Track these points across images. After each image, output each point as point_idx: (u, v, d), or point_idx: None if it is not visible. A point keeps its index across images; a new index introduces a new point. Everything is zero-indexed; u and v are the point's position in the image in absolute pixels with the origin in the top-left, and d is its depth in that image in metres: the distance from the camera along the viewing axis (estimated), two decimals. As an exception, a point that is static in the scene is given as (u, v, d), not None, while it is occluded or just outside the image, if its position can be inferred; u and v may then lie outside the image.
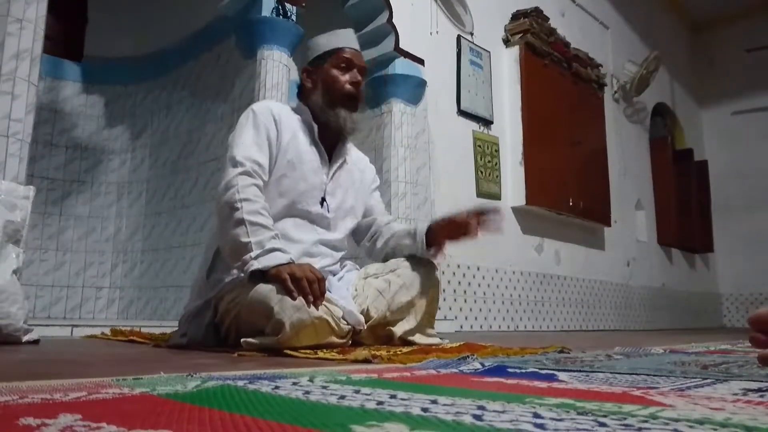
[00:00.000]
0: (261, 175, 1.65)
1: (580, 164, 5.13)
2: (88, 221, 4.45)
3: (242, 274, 1.57)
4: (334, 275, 1.82)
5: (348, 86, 1.78)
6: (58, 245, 4.34)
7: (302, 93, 1.86)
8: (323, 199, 1.77)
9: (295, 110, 1.85)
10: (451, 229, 1.77)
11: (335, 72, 1.79)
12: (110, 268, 4.45)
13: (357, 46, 1.86)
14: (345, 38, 1.84)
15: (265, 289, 1.48)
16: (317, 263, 1.69)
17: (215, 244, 1.72)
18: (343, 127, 1.79)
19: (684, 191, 6.98)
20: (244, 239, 1.52)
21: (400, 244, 1.87)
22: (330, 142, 1.83)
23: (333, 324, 1.50)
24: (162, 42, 4.45)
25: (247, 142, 1.66)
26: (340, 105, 1.78)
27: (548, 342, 2.08)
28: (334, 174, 1.82)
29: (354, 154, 1.95)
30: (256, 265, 1.50)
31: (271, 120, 1.73)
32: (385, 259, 1.91)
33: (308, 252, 1.72)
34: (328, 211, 1.78)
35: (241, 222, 1.53)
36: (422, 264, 1.84)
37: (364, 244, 1.98)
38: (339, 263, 1.84)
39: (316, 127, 1.79)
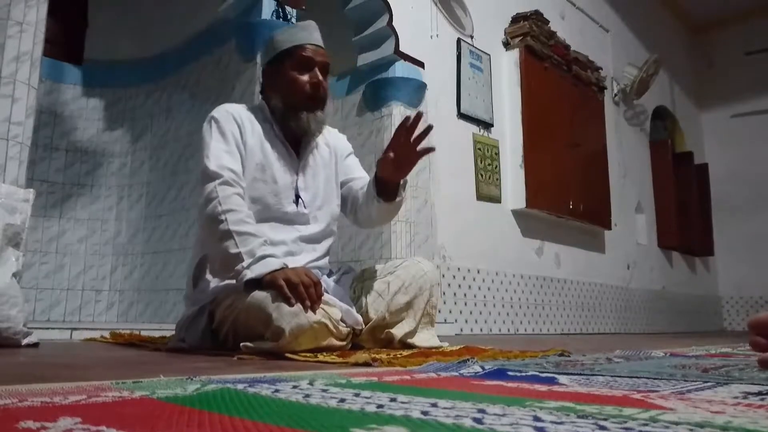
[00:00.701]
0: (239, 183, 1.63)
1: (581, 167, 5.12)
2: (88, 224, 4.45)
3: (235, 282, 1.56)
4: (329, 276, 1.81)
5: (307, 87, 1.72)
6: (57, 248, 4.34)
7: (265, 92, 1.83)
8: (297, 197, 1.75)
9: (258, 109, 1.81)
10: (396, 165, 1.67)
11: (294, 73, 1.72)
12: (110, 271, 4.44)
13: (318, 41, 1.77)
14: (305, 34, 1.76)
15: (261, 296, 1.47)
16: (301, 260, 1.68)
17: (199, 253, 1.72)
18: (306, 130, 1.75)
19: (684, 194, 6.98)
20: (234, 250, 1.50)
21: (369, 208, 1.81)
22: (296, 137, 1.79)
23: (332, 327, 1.49)
24: (162, 45, 4.46)
25: (218, 152, 1.63)
26: (301, 108, 1.72)
27: (548, 345, 2.08)
28: (304, 168, 1.79)
29: (321, 138, 1.88)
30: (249, 274, 1.48)
31: (234, 124, 1.70)
32: (368, 222, 1.87)
33: (290, 251, 1.70)
34: (305, 207, 1.76)
35: (228, 234, 1.51)
36: (421, 265, 1.84)
37: (350, 216, 1.94)
38: (325, 256, 1.82)
39: (277, 126, 1.76)
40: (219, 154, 1.63)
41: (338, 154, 1.93)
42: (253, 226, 1.56)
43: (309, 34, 1.76)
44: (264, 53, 1.82)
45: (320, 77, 1.73)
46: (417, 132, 1.64)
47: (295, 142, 1.80)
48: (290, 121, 1.74)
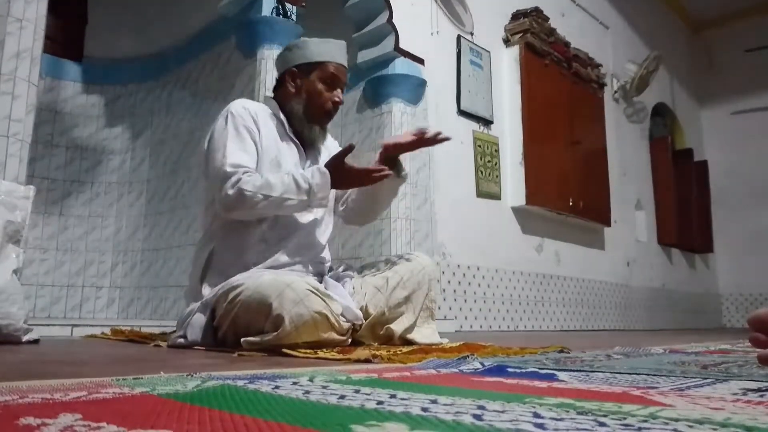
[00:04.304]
0: (253, 174, 1.69)
1: (580, 164, 5.12)
2: (88, 221, 4.45)
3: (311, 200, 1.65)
4: (328, 272, 1.85)
5: (329, 104, 1.80)
6: (58, 245, 4.34)
7: (280, 91, 1.86)
8: None
9: (270, 107, 1.85)
10: (402, 148, 1.83)
11: (320, 86, 1.79)
12: (110, 268, 4.44)
13: (345, 62, 1.86)
14: (337, 52, 1.83)
15: (263, 287, 1.50)
16: (323, 236, 1.83)
17: (206, 250, 1.74)
18: (313, 142, 1.85)
19: (684, 191, 6.98)
20: (295, 198, 1.62)
21: (371, 192, 1.88)
22: (303, 138, 1.86)
23: (332, 319, 1.51)
24: (162, 42, 4.45)
25: (233, 149, 1.67)
26: (317, 121, 1.82)
27: (548, 342, 2.08)
28: (312, 163, 1.85)
29: (326, 141, 1.97)
30: (318, 192, 1.63)
31: (250, 120, 1.74)
32: (362, 213, 1.95)
33: (310, 232, 1.80)
34: None
35: (280, 198, 1.62)
36: (419, 259, 1.86)
37: (339, 211, 1.99)
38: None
39: (289, 126, 1.82)
40: (233, 151, 1.67)
41: None
42: (274, 176, 1.65)
43: (341, 53, 1.85)
44: (289, 55, 1.84)
45: (341, 98, 1.82)
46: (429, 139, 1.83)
47: (301, 141, 1.87)
48: (303, 128, 1.82)
